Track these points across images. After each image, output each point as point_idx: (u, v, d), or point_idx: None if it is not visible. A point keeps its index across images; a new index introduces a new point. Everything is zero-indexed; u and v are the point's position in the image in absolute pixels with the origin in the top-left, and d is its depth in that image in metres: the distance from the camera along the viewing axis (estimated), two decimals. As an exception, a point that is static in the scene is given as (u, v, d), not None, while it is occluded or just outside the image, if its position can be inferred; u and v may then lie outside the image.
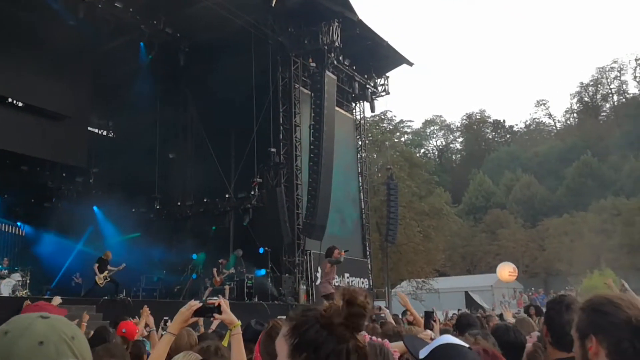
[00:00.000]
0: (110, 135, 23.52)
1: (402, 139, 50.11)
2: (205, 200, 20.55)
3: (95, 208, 20.18)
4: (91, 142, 21.35)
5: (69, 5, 16.18)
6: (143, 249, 18.81)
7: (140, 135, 21.03)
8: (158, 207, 21.62)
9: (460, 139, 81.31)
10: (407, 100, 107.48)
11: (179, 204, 21.31)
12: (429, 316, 4.87)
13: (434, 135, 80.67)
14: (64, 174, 20.97)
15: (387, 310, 8.08)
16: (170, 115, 21.50)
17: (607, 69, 74.06)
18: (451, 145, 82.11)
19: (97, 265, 14.30)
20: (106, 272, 14.27)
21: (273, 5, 16.47)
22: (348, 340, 1.36)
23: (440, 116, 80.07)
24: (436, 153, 79.39)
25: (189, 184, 21.31)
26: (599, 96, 76.65)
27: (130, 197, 20.10)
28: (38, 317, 1.22)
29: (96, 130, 23.07)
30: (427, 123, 78.60)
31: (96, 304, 12.09)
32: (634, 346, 1.69)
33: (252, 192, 18.65)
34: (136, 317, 6.76)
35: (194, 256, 19.14)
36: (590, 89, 76.76)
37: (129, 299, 13.57)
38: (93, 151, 21.38)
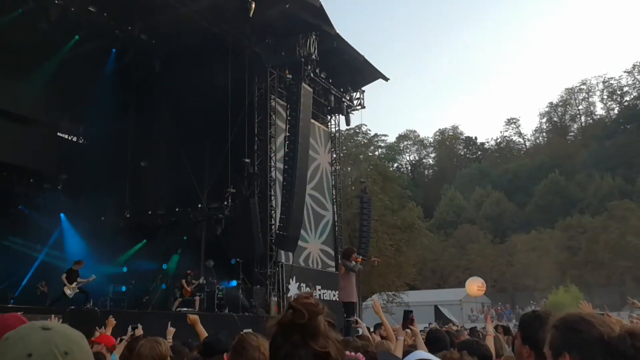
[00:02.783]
0: (81, 142, 22.97)
1: (376, 153, 50.33)
2: (177, 209, 20.28)
3: (62, 216, 19.68)
4: (61, 148, 20.92)
5: (41, 8, 15.82)
6: (112, 258, 18.46)
7: (111, 142, 20.68)
8: (128, 215, 21.25)
9: (433, 155, 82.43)
10: (382, 114, 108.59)
11: (149, 213, 20.97)
12: (407, 315, 4.79)
13: (408, 150, 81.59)
14: (31, 180, 20.44)
15: (364, 324, 8.04)
16: (144, 122, 21.22)
17: (576, 90, 76.22)
18: (424, 160, 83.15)
19: (65, 275, 13.93)
20: (75, 283, 13.91)
21: (251, 15, 16.43)
22: (303, 345, 1.36)
23: (414, 131, 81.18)
24: (409, 167, 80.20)
25: (160, 193, 20.99)
26: (567, 116, 78.59)
27: (99, 205, 19.71)
28: (39, 328, 1.21)
29: (66, 136, 22.53)
30: (401, 138, 79.48)
31: (63, 313, 11.76)
32: None
33: (225, 203, 18.49)
34: (102, 327, 6.62)
35: (164, 266, 18.84)
36: (559, 109, 78.70)
37: (96, 308, 13.25)
38: (62, 157, 20.91)
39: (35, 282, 17.29)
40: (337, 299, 18.47)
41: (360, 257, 10.86)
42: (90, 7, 16.95)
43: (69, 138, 22.71)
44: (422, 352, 1.94)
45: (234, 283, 17.74)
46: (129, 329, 6.29)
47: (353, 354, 3.40)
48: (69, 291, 13.76)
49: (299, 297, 1.44)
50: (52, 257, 17.82)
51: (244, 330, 3.48)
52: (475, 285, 19.09)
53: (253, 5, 16.12)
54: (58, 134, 21.21)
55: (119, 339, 6.18)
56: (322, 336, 1.38)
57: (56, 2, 15.86)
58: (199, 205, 19.78)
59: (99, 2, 17.06)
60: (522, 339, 2.63)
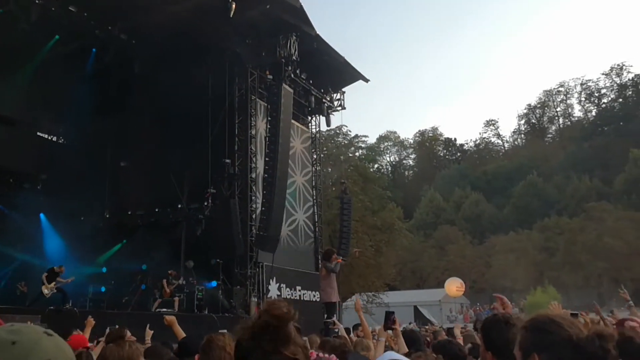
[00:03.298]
0: (61, 141, 22.77)
1: (357, 154, 50.53)
2: (156, 210, 20.21)
3: (42, 216, 19.50)
4: (41, 147, 20.71)
5: (22, 9, 15.67)
6: (91, 259, 18.33)
7: (91, 142, 20.55)
8: (108, 216, 21.12)
9: (413, 156, 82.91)
10: (363, 115, 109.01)
11: (129, 213, 20.87)
12: (388, 316, 4.87)
13: (388, 151, 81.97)
14: (10, 180, 20.21)
15: (341, 325, 8.14)
16: (124, 122, 21.11)
17: (554, 92, 77.22)
18: (404, 162, 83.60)
19: (46, 275, 13.87)
20: (54, 283, 13.85)
21: (231, 16, 16.47)
22: (274, 352, 1.38)
23: (395, 132, 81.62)
24: (389, 168, 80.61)
25: (140, 193, 20.88)
26: (545, 118, 79.57)
27: (79, 206, 19.58)
28: (44, 334, 1.22)
29: (46, 136, 22.33)
30: (382, 139, 79.84)
31: (42, 313, 11.71)
32: None
33: (206, 203, 18.47)
34: (77, 329, 6.64)
35: (144, 267, 18.76)
36: (537, 111, 79.66)
37: (75, 309, 13.20)
38: (42, 157, 20.70)
39: (14, 282, 17.11)
40: (318, 300, 18.62)
41: (341, 257, 11.05)
42: (71, 7, 16.85)
43: (49, 138, 22.52)
44: (393, 353, 2.01)
45: (213, 284, 17.73)
46: (107, 330, 6.32)
47: (326, 355, 3.49)
48: (46, 290, 13.71)
49: (271, 304, 1.45)
50: (31, 257, 17.64)
51: (220, 331, 3.56)
52: (454, 286, 19.31)
53: (234, 6, 16.16)
54: (38, 133, 21.03)
55: (95, 341, 6.19)
56: (292, 343, 1.40)
57: (37, 2, 15.74)
58: (179, 206, 19.74)
59: (80, 2, 16.96)
60: (485, 344, 2.66)
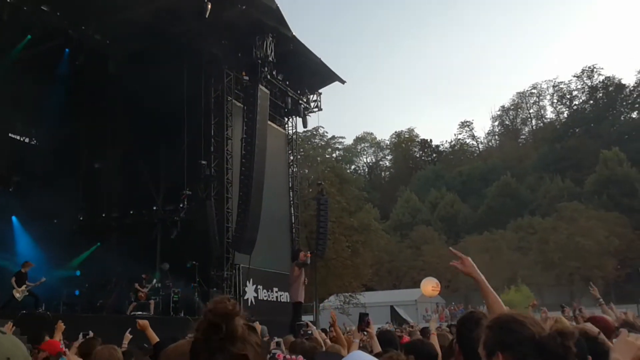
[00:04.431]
0: (33, 143, 22.34)
1: (334, 155, 50.75)
2: (131, 212, 19.99)
3: (14, 218, 19.07)
4: (12, 149, 20.27)
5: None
6: (65, 262, 18.02)
7: (65, 143, 20.21)
8: (81, 218, 20.81)
9: (390, 157, 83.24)
10: (339, 116, 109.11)
11: (103, 215, 20.61)
12: (362, 318, 4.89)
13: (365, 152, 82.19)
14: (-20, 182, 19.76)
15: (314, 327, 8.17)
16: (97, 123, 20.83)
17: (527, 94, 78.13)
18: (381, 163, 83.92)
19: (14, 278, 13.57)
20: (24, 286, 13.58)
21: (207, 16, 16.38)
22: (220, 350, 1.40)
23: (371, 133, 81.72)
24: (366, 170, 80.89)
25: (114, 195, 20.65)
26: (518, 120, 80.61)
27: (52, 208, 19.19)
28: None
29: (18, 137, 21.86)
30: (358, 140, 80.00)
31: (13, 317, 11.47)
32: None
33: (181, 205, 18.32)
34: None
35: (118, 269, 18.50)
36: (511, 113, 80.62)
37: (48, 313, 12.97)
38: (14, 159, 20.26)
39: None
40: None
41: (309, 252, 11.45)
42: (43, 6, 16.57)
43: (21, 139, 22.02)
44: (361, 353, 2.03)
45: (189, 286, 17.61)
46: (80, 335, 6.23)
47: (294, 356, 3.51)
48: (18, 294, 13.42)
49: (216, 302, 1.47)
50: (2, 260, 17.22)
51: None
52: (430, 286, 19.39)
53: (209, 6, 16.07)
54: (10, 135, 20.56)
55: (67, 343, 6.09)
56: (239, 340, 1.42)
57: (8, 1, 15.45)
58: (154, 208, 19.56)
59: (52, 2, 16.71)
60: (457, 338, 2.75)
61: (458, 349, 2.67)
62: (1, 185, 19.23)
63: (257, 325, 5.91)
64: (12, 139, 20.89)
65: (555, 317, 6.46)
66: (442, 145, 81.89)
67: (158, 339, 4.91)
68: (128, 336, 6.15)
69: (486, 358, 1.91)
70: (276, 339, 6.06)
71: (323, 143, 43.00)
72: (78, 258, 19.38)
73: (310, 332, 7.45)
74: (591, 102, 69.26)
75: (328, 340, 6.98)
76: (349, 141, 74.97)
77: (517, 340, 1.83)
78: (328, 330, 9.13)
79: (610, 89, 67.53)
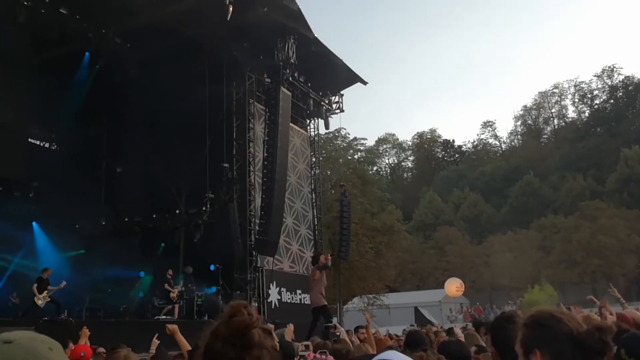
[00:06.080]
0: (53, 148, 22.37)
1: (356, 157, 50.49)
2: (154, 216, 19.92)
3: (34, 224, 18.99)
4: (32, 154, 20.26)
5: (8, 10, 15.20)
6: (88, 267, 17.97)
7: (85, 148, 20.23)
8: (104, 223, 20.79)
9: (412, 158, 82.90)
10: (361, 118, 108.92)
11: (126, 219, 20.56)
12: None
13: (387, 154, 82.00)
14: (0, 188, 19.77)
15: (342, 328, 8.05)
16: (119, 127, 20.84)
17: (549, 94, 77.37)
18: (403, 164, 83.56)
19: (36, 285, 13.48)
20: (46, 292, 13.48)
21: (228, 19, 16.24)
22: (236, 359, 1.40)
23: (393, 135, 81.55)
24: (388, 171, 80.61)
25: (137, 199, 20.59)
26: (540, 119, 79.75)
27: (74, 213, 19.18)
28: (0, 342, 1.17)
29: (38, 142, 21.86)
30: (380, 141, 79.83)
31: (35, 324, 11.41)
32: (574, 358, 1.77)
33: (204, 208, 18.22)
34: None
35: (142, 274, 18.48)
36: (533, 113, 79.79)
37: (71, 319, 12.90)
38: (34, 164, 20.21)
39: (6, 293, 16.69)
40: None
41: (329, 255, 11.30)
42: (62, 9, 16.48)
43: (41, 144, 22.01)
44: (394, 352, 1.95)
45: (213, 289, 17.52)
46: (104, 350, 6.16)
47: (324, 356, 3.40)
48: (39, 301, 13.32)
49: (231, 309, 1.46)
50: (23, 267, 17.13)
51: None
52: (454, 286, 19.14)
53: (230, 9, 15.91)
54: (29, 140, 20.53)
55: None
56: (256, 346, 1.41)
57: (25, 4, 15.39)
58: (177, 211, 19.47)
59: (72, 4, 16.62)
60: (491, 340, 2.76)
61: (494, 350, 2.68)
62: (20, 191, 19.04)
63: (290, 327, 5.79)
64: (31, 144, 20.74)
65: (585, 314, 6.28)
66: (465, 145, 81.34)
67: (189, 346, 4.81)
68: (155, 342, 6.03)
69: (523, 356, 1.89)
70: (304, 343, 5.95)
71: (345, 144, 42.83)
72: (100, 263, 19.25)
73: (338, 333, 7.40)
74: (611, 101, 68.95)
75: (355, 339, 6.87)
76: (370, 142, 74.90)
77: (555, 336, 1.82)
78: (354, 332, 9.02)
79: (630, 88, 67.33)
